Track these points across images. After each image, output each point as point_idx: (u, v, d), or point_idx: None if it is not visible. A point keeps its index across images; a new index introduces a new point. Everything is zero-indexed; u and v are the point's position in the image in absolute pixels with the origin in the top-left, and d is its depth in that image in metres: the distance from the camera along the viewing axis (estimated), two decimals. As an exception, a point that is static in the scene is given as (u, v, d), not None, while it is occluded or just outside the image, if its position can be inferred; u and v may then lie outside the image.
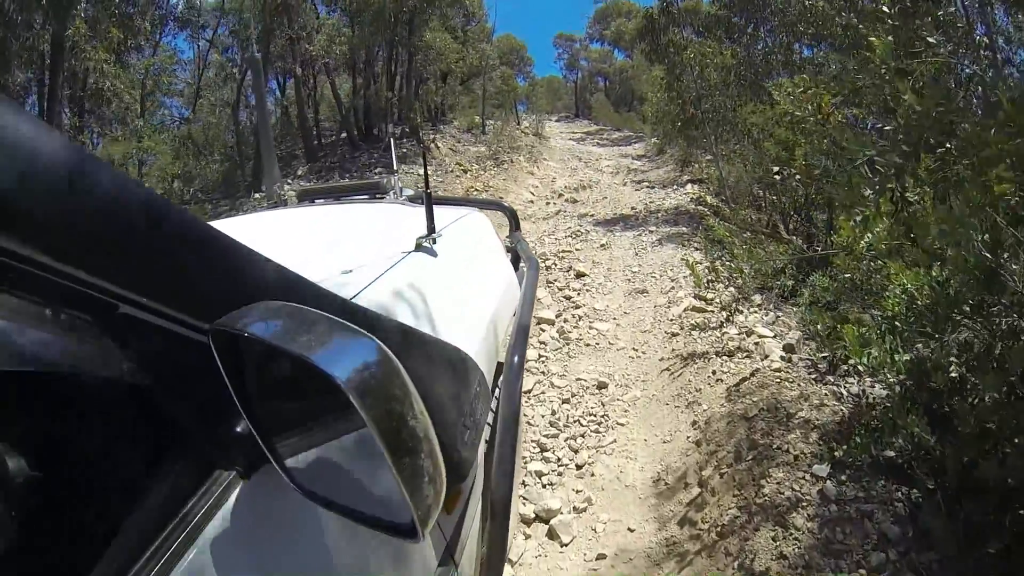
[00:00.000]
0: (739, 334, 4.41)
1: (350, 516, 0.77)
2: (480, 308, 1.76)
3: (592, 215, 10.31)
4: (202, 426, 0.78)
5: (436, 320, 1.40)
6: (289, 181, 12.31)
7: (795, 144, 6.68)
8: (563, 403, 4.20)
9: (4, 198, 0.49)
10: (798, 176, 3.67)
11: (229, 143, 15.02)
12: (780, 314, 4.95)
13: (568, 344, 5.16)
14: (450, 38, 16.20)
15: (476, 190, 12.22)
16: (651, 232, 8.64)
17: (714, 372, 3.91)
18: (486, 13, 21.12)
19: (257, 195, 12.40)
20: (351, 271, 1.39)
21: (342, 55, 14.29)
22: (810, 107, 4.01)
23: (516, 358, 1.49)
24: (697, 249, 7.63)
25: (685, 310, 5.39)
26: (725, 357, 4.07)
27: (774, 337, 4.25)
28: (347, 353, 0.65)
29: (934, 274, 2.31)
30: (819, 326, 3.45)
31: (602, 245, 8.21)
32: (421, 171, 14.21)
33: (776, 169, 4.08)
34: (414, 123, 15.17)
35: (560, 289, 6.51)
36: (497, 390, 1.56)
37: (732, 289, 4.86)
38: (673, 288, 6.09)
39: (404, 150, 14.76)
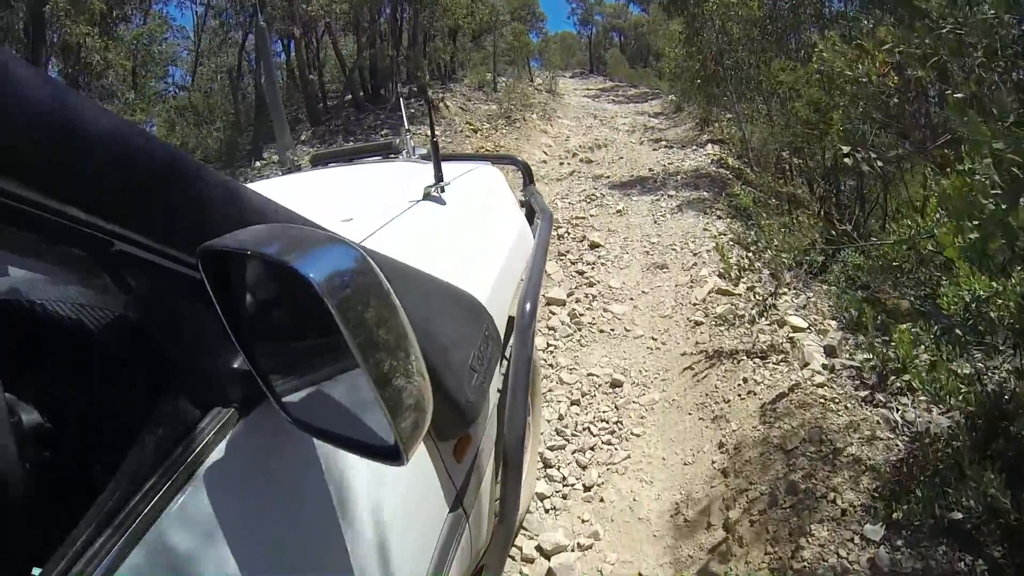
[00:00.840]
0: (770, 325, 3.92)
1: (340, 443, 0.77)
2: (490, 256, 1.73)
3: (608, 176, 9.73)
4: (200, 363, 0.78)
5: (443, 265, 1.34)
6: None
7: (830, 106, 6.14)
8: (572, 405, 3.75)
9: None
10: (855, 154, 3.15)
11: (231, 111, 14.35)
12: (811, 295, 4.47)
13: (580, 330, 4.68)
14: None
15: (487, 150, 11.59)
16: (670, 197, 8.08)
17: (745, 380, 3.40)
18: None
19: (258, 163, 11.96)
20: (351, 219, 1.38)
21: (343, 13, 13.49)
22: (861, 66, 3.45)
23: (528, 305, 1.51)
24: (720, 217, 7.09)
25: (710, 293, 4.88)
26: (757, 360, 3.55)
27: (808, 329, 3.75)
28: (325, 258, 0.63)
29: (1015, 282, 1.83)
30: (861, 318, 2.98)
31: (618, 211, 7.67)
32: (429, 129, 13.60)
33: (846, 151, 3.54)
34: (421, 82, 14.49)
35: (572, 263, 5.99)
36: (510, 339, 1.55)
37: (759, 265, 4.35)
38: (696, 265, 5.56)
39: (412, 110, 14.16)
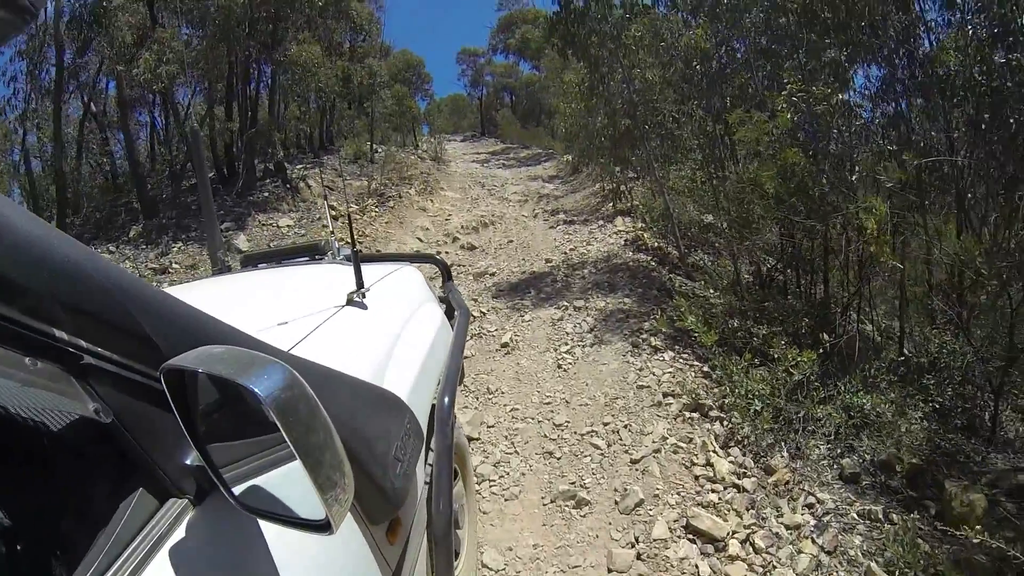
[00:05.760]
0: None
1: (279, 521, 0.79)
2: (410, 355, 1.69)
3: (494, 274, 6.93)
4: (158, 460, 0.79)
5: (366, 366, 1.37)
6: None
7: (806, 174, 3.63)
8: None
9: None
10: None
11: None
12: (822, 493, 1.87)
13: None
14: (319, 51, 12.29)
15: (346, 242, 8.53)
16: (578, 309, 5.33)
17: None
18: (380, 28, 17.42)
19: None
20: (286, 323, 1.40)
21: (170, 76, 10.16)
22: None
23: (447, 399, 1.56)
24: (657, 349, 4.30)
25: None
26: None
27: None
28: (265, 376, 0.68)
29: None
30: None
31: (504, 344, 4.83)
32: (282, 221, 9.89)
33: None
34: (277, 159, 11.31)
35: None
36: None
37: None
38: (642, 502, 2.68)
39: (266, 193, 10.97)
